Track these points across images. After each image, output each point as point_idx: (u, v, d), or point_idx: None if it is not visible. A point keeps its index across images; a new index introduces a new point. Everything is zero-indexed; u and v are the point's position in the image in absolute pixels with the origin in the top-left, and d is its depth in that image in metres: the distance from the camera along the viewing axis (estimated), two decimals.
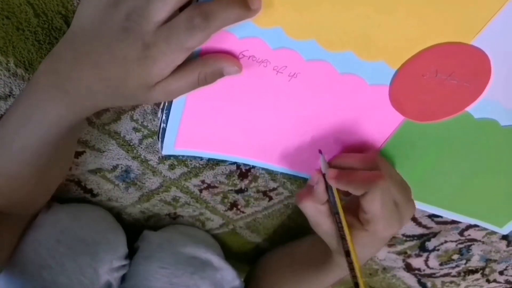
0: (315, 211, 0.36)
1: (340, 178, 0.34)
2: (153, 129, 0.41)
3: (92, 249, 0.45)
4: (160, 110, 0.35)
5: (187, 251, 0.51)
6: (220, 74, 0.29)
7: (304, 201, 0.36)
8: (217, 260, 0.52)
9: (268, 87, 0.33)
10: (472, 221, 0.46)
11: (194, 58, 0.28)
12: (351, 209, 0.36)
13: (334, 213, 0.35)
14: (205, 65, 0.28)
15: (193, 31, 0.24)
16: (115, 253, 0.47)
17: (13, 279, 0.41)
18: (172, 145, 0.37)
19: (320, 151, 0.37)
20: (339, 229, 0.35)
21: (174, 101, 0.33)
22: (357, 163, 0.35)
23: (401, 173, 0.40)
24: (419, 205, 0.45)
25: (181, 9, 0.25)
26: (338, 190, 0.35)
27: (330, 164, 0.36)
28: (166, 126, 0.35)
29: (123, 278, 0.49)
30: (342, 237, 0.35)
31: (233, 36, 0.28)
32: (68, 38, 0.28)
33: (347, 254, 0.35)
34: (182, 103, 0.34)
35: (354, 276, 0.34)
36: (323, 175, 0.35)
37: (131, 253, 0.51)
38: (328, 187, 0.35)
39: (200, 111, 0.35)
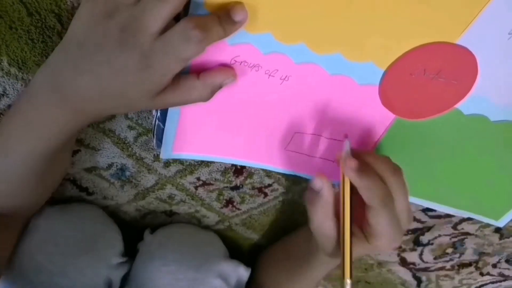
0: (323, 215, 0.34)
1: (361, 172, 0.31)
2: (148, 127, 0.41)
3: (90, 248, 0.45)
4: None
5: (189, 246, 0.51)
6: (219, 87, 0.30)
7: (312, 206, 0.34)
8: (219, 252, 0.52)
9: (261, 90, 0.33)
10: (468, 214, 0.47)
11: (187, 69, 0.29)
12: (357, 218, 0.34)
13: (342, 218, 0.33)
14: (204, 84, 0.29)
15: (190, 43, 0.25)
16: (112, 250, 0.48)
17: (12, 285, 0.41)
18: (170, 149, 0.38)
19: (346, 136, 0.35)
20: (344, 234, 0.33)
21: None
22: (379, 164, 0.32)
23: None
24: (414, 199, 0.45)
25: (176, 18, 0.25)
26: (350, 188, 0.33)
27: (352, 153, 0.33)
28: (161, 123, 0.35)
29: (124, 280, 0.49)
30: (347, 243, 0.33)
31: (224, 42, 0.29)
32: (64, 49, 0.28)
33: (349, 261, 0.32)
34: (178, 108, 0.34)
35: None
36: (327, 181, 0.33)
37: (130, 253, 0.51)
38: (342, 188, 0.33)
39: (195, 115, 0.35)
